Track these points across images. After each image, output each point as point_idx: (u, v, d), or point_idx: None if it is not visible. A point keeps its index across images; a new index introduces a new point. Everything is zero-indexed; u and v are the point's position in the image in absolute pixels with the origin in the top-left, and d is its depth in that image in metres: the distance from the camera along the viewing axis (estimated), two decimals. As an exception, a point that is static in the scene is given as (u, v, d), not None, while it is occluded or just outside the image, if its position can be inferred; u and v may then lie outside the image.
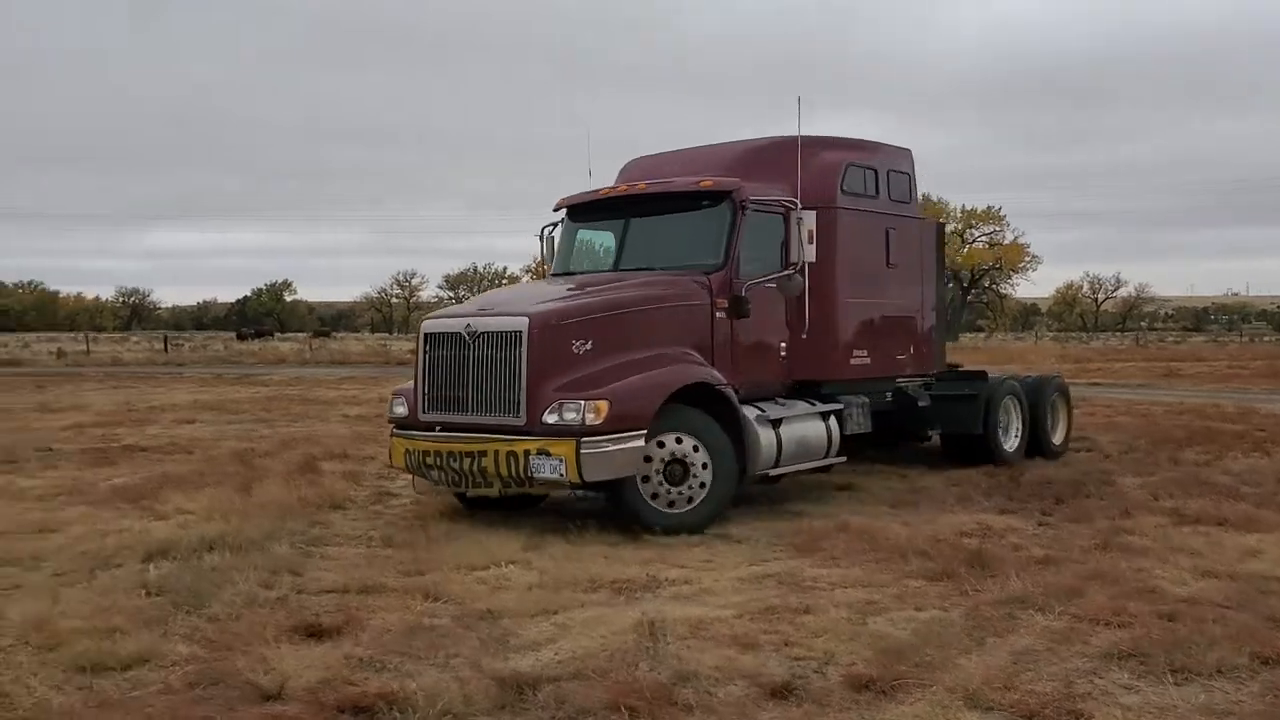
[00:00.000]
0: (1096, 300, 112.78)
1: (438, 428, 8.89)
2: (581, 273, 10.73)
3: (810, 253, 9.71)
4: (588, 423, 8.13)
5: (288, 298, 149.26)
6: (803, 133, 10.43)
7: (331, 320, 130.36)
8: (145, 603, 6.31)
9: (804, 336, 10.19)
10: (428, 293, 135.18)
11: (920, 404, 11.83)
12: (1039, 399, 12.81)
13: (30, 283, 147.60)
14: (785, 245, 9.88)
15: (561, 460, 8.09)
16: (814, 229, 9.68)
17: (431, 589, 6.60)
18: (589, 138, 11.42)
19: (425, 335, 9.30)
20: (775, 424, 9.45)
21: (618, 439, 8.18)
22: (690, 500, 8.67)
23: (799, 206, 9.77)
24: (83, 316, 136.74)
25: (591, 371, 8.56)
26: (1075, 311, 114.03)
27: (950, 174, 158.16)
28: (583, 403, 8.20)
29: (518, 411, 8.43)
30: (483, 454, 8.45)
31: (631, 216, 10.48)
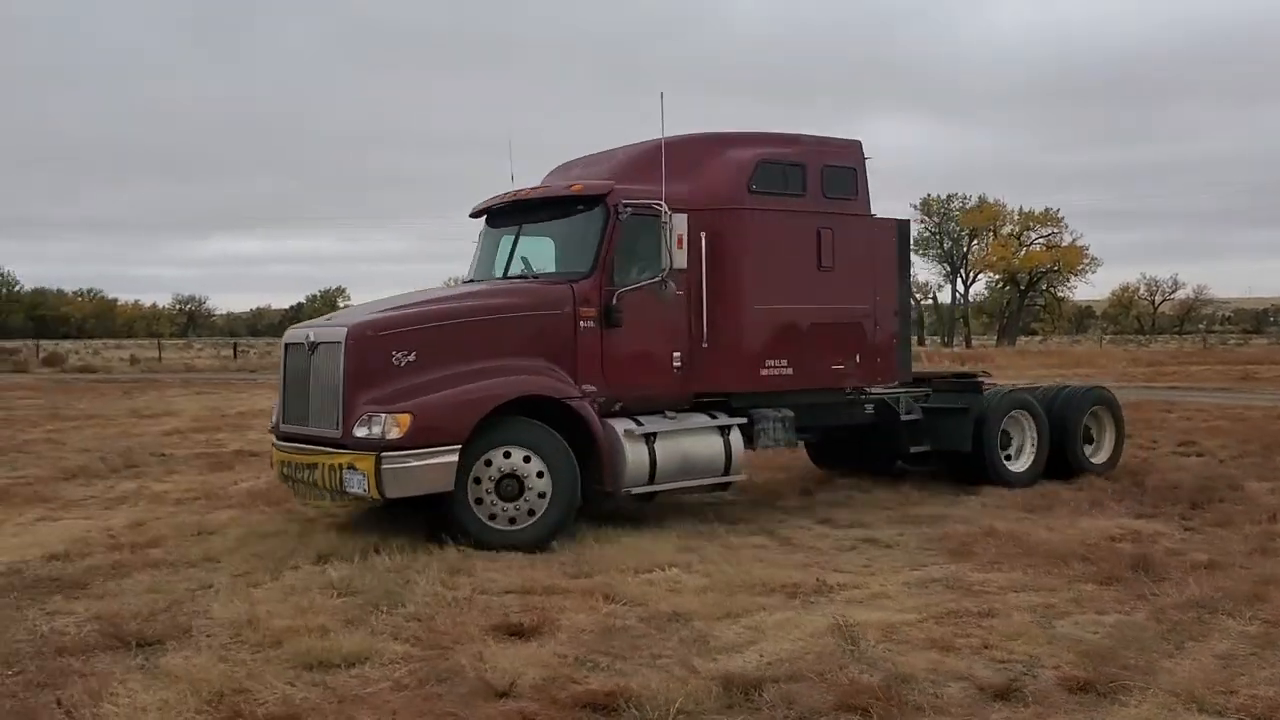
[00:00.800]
0: (1154, 302, 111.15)
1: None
2: (477, 281, 10.47)
3: (680, 258, 9.01)
4: (388, 437, 7.92)
5: (340, 303, 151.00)
6: (719, 130, 10.29)
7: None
8: (339, 602, 6.52)
9: (704, 346, 9.56)
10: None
11: (905, 417, 10.92)
12: (1068, 413, 11.68)
13: (89, 290, 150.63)
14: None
15: (365, 475, 7.92)
16: (684, 233, 9.02)
17: (607, 590, 6.74)
18: (510, 142, 11.08)
19: (284, 344, 9.39)
20: (649, 439, 9.01)
21: (423, 454, 7.91)
22: (527, 516, 8.35)
23: (666, 210, 8.97)
24: (140, 323, 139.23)
25: (413, 384, 8.27)
26: (1131, 314, 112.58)
27: (1002, 174, 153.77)
28: (384, 416, 8.00)
29: (335, 424, 8.29)
30: (314, 466, 8.39)
31: (524, 222, 10.20)
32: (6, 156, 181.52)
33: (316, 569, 7.45)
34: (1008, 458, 11.24)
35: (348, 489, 8.12)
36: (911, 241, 13.14)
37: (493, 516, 8.27)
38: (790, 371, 10.02)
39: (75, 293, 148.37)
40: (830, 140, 10.72)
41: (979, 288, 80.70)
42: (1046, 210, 74.62)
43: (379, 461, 7.86)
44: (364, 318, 8.86)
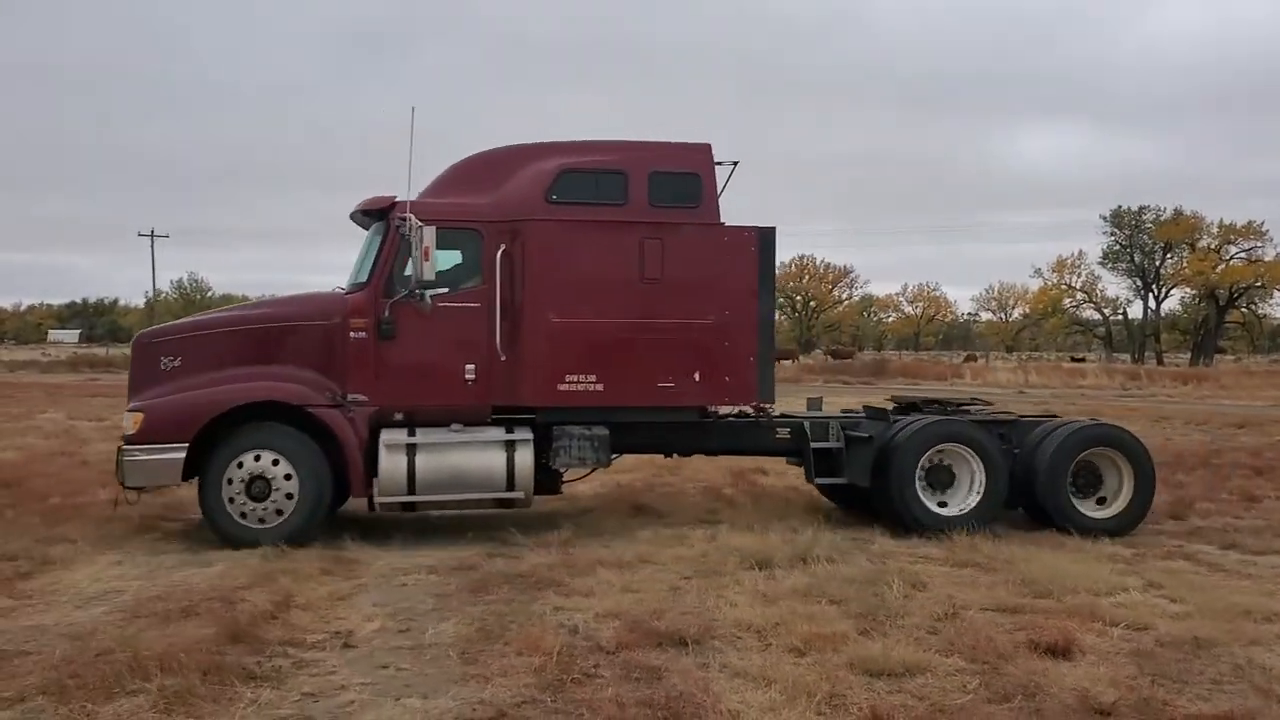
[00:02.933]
0: None
1: None
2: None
3: (428, 271, 8.78)
4: (127, 432, 8.92)
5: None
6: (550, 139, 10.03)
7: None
8: (832, 609, 6.65)
9: (501, 359, 9.32)
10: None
11: (815, 445, 10.02)
12: (1050, 455, 9.81)
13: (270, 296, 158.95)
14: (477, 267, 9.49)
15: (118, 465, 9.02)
16: (431, 245, 8.71)
17: (1090, 613, 6.62)
18: (412, 136, 9.86)
19: None
20: (410, 450, 9.01)
21: (153, 450, 8.77)
22: (275, 515, 8.82)
23: (412, 221, 8.82)
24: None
25: (172, 386, 9.08)
26: None
27: (1194, 185, 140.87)
28: (127, 414, 9.06)
29: None
30: None
31: (367, 232, 10.12)
32: (196, 171, 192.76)
33: (760, 573, 7.64)
34: (955, 497, 9.82)
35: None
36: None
37: (243, 515, 8.84)
38: (600, 387, 9.51)
39: (258, 298, 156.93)
40: (665, 145, 10.04)
41: (1171, 304, 76.54)
42: (1250, 223, 70.19)
43: (121, 453, 8.97)
44: (155, 326, 10.09)
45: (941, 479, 9.82)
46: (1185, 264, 70.25)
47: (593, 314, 9.55)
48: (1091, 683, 5.24)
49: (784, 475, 13.05)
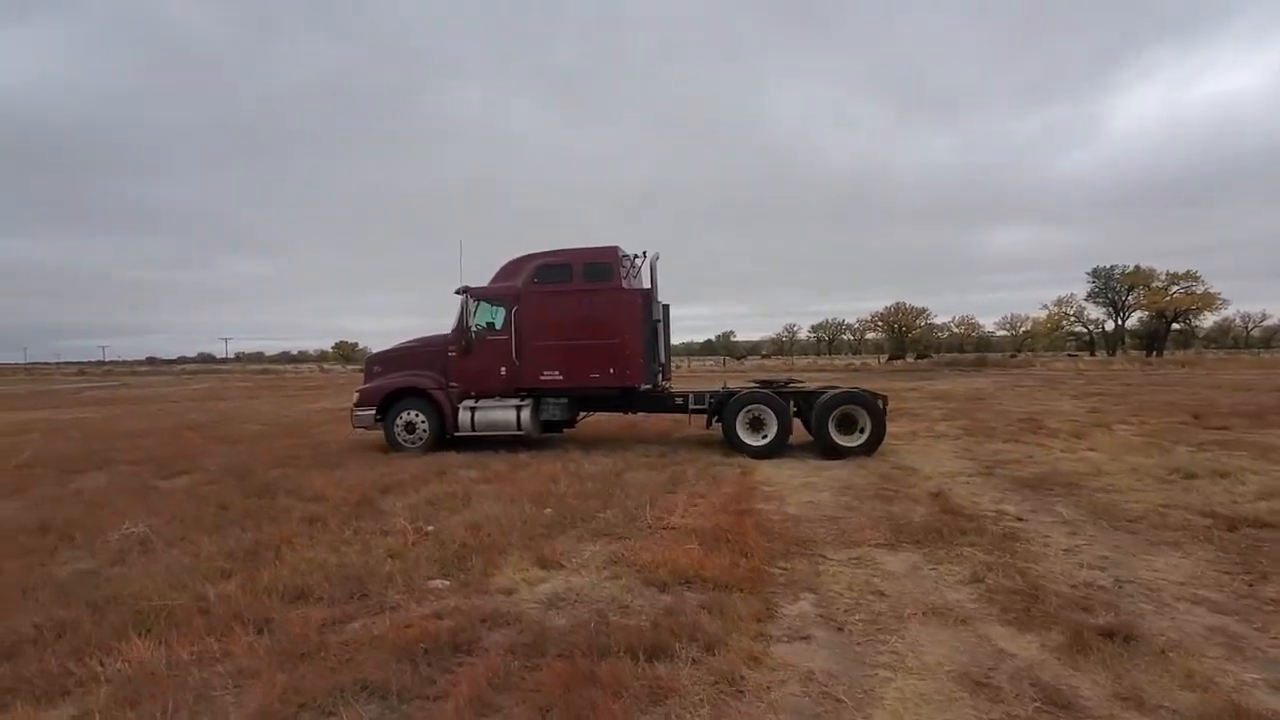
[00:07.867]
0: (1247, 329, 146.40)
1: None
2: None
3: (489, 317, 16.23)
4: (353, 401, 16.96)
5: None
6: (532, 251, 16.52)
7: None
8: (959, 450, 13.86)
9: (517, 363, 16.02)
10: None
11: (693, 407, 16.15)
12: (819, 407, 14.79)
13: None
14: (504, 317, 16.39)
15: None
16: (474, 310, 16.14)
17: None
18: (461, 263, 17.37)
19: None
20: (473, 410, 15.95)
21: (362, 409, 16.58)
22: (419, 440, 16.22)
23: (468, 293, 16.18)
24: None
25: (376, 380, 16.96)
26: (1229, 336, 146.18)
27: (1130, 253, 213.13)
28: (355, 392, 16.87)
29: None
30: None
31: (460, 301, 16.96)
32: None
33: (945, 441, 15.28)
34: (764, 436, 15.07)
35: None
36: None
37: (404, 440, 16.28)
38: (561, 377, 16.06)
39: (413, 338, 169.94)
40: (592, 249, 16.11)
41: (1130, 322, 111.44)
42: (1188, 271, 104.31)
43: (351, 410, 17.02)
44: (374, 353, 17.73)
45: (758, 424, 15.36)
46: (1143, 297, 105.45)
47: (556, 339, 16.06)
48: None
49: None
